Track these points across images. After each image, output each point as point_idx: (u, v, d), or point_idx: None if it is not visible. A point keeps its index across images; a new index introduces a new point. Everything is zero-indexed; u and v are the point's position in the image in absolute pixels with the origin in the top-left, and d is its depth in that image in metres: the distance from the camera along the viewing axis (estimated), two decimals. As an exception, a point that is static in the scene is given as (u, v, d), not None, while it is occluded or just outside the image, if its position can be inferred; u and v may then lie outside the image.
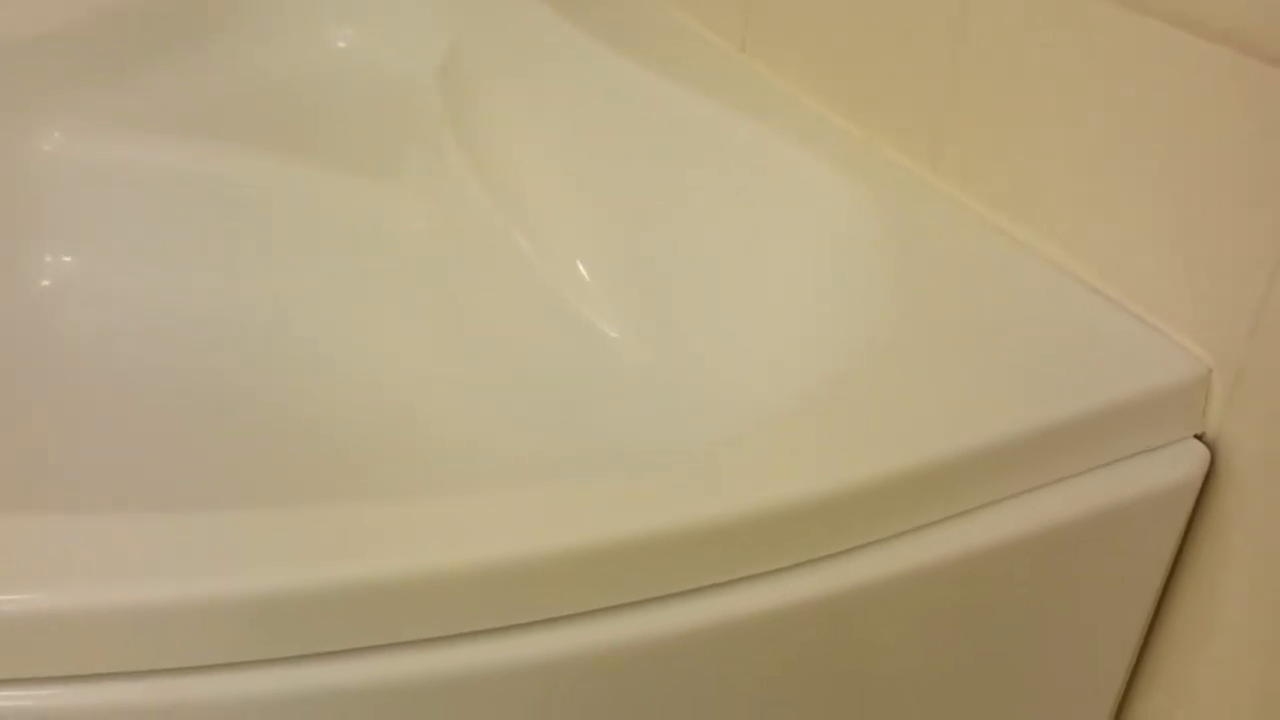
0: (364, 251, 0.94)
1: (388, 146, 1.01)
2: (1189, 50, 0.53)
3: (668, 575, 0.46)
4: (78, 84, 1.02)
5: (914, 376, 0.53)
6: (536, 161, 0.92)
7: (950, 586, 0.50)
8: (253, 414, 0.84)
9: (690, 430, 0.73)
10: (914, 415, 0.51)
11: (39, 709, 0.40)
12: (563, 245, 0.89)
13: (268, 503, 0.45)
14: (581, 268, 0.88)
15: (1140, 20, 0.55)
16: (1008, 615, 0.53)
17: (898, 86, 0.72)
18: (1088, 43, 0.58)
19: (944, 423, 0.50)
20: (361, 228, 0.94)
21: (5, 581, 0.40)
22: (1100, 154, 0.59)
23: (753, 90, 0.81)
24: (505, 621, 0.44)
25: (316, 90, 1.08)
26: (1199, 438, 0.55)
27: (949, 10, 0.66)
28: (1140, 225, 0.57)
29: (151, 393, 0.88)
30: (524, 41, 0.97)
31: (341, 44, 1.18)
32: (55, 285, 0.99)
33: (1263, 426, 0.53)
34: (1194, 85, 0.53)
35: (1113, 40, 0.56)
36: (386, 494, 0.47)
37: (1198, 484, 0.54)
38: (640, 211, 0.84)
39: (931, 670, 0.53)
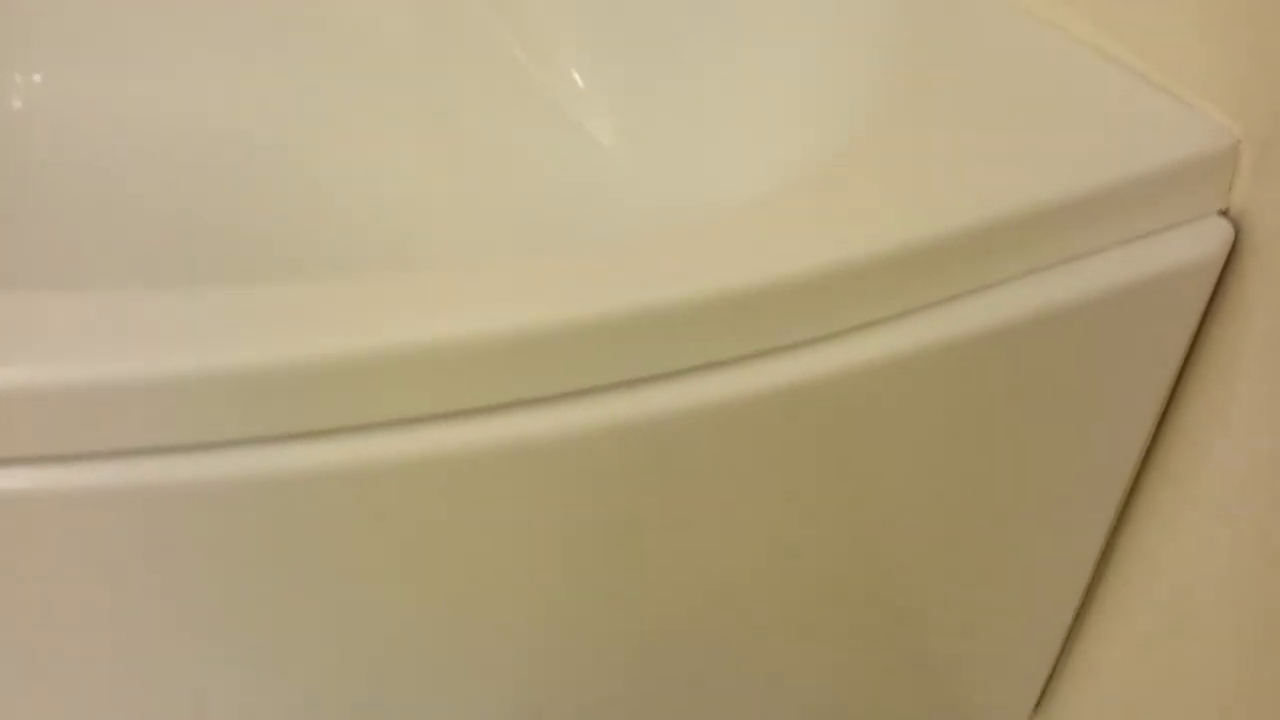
0: (348, 57, 0.89)
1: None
2: None
3: (669, 351, 0.44)
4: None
5: (928, 149, 0.50)
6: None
7: (963, 365, 0.48)
8: (232, 229, 0.81)
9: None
10: (927, 187, 0.48)
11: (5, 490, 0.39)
12: (559, 52, 0.84)
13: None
14: (576, 75, 0.84)
15: None
16: (1020, 396, 0.51)
17: None
18: None
19: (958, 195, 0.47)
20: (345, 32, 0.90)
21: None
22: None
23: None
24: (500, 399, 0.43)
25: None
26: (1223, 214, 0.53)
27: None
28: (1167, -8, 0.54)
29: (129, 212, 0.85)
30: None
31: None
32: (27, 107, 0.95)
33: (1290, 203, 0.51)
34: None
35: None
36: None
37: (1220, 262, 0.52)
38: (637, 10, 0.80)
39: (937, 457, 0.52)
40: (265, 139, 0.89)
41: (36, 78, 0.95)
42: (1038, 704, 0.77)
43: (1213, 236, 0.52)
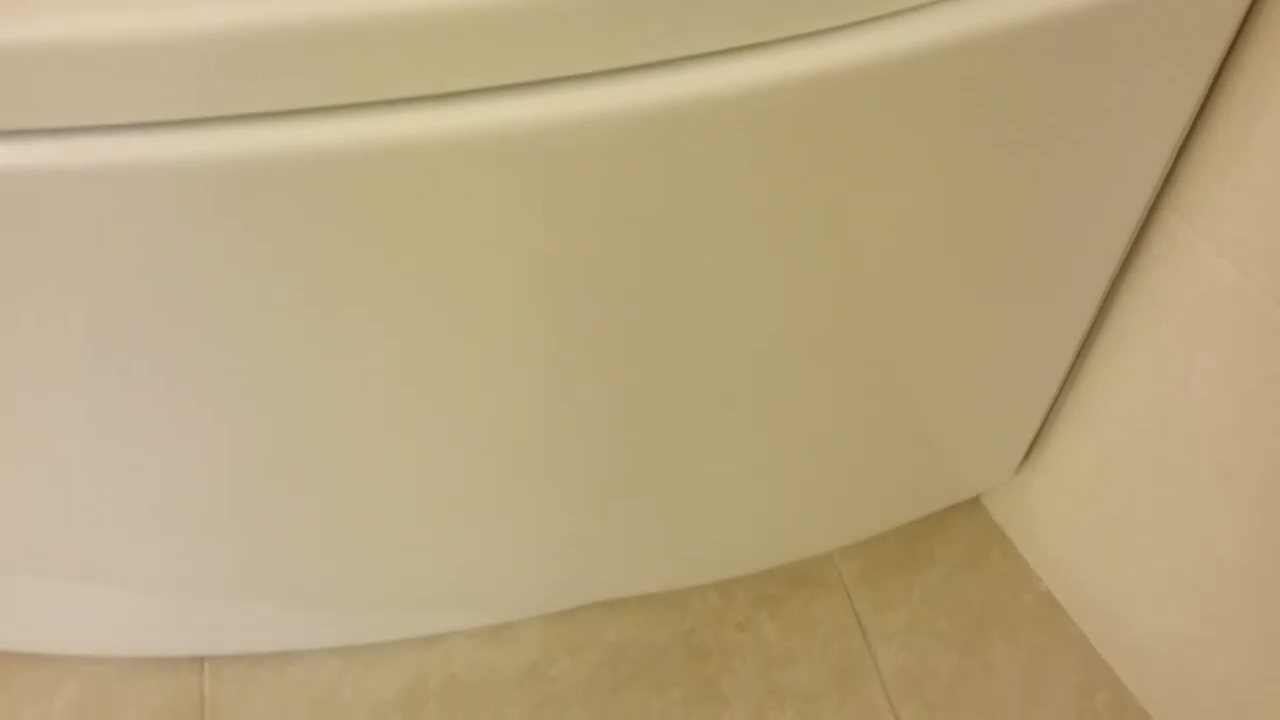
0: None
1: None
2: None
3: (650, 37, 0.41)
4: None
5: None
6: None
7: (972, 69, 0.45)
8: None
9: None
10: None
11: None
12: None
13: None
14: None
15: None
16: (1032, 109, 0.49)
17: None
18: None
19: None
20: None
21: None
22: None
23: None
24: (481, 83, 0.40)
25: None
26: (1270, -88, 0.49)
27: None
28: None
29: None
30: None
31: None
32: None
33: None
34: None
35: None
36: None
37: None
38: None
39: (938, 175, 0.50)
40: None
41: None
42: (1028, 453, 0.77)
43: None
